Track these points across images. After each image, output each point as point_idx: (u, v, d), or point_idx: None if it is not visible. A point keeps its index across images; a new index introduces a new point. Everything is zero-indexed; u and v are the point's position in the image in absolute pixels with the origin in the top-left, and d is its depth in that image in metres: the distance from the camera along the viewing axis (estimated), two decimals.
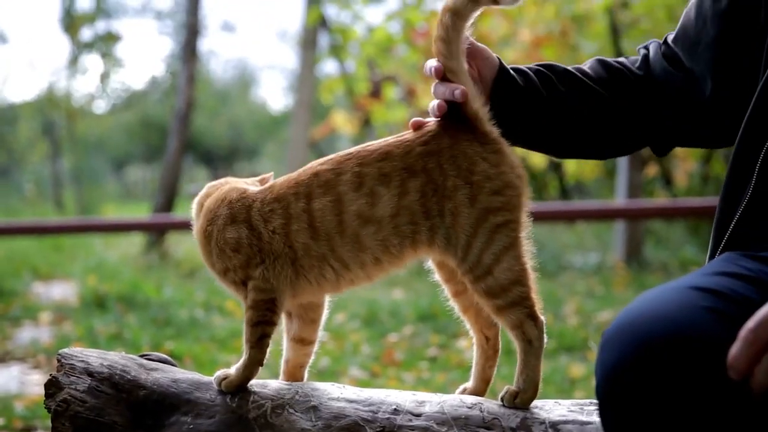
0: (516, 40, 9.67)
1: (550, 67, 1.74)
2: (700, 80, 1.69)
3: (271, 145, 28.93)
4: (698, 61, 1.69)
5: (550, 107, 1.70)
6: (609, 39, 9.55)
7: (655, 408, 1.14)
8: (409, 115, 10.81)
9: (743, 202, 1.51)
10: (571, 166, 9.69)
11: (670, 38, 1.77)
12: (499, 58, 1.71)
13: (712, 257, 1.55)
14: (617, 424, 1.19)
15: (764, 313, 1.10)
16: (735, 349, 1.11)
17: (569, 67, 1.75)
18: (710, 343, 1.15)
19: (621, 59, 1.79)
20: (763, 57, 1.55)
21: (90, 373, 1.66)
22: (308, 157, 14.12)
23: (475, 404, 1.61)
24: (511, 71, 1.70)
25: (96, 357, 1.70)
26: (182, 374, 1.72)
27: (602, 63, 1.77)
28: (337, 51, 11.92)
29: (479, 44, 1.68)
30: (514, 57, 9.59)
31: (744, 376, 1.10)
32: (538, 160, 10.00)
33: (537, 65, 1.74)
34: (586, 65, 1.78)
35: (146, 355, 1.79)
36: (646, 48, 1.80)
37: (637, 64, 1.77)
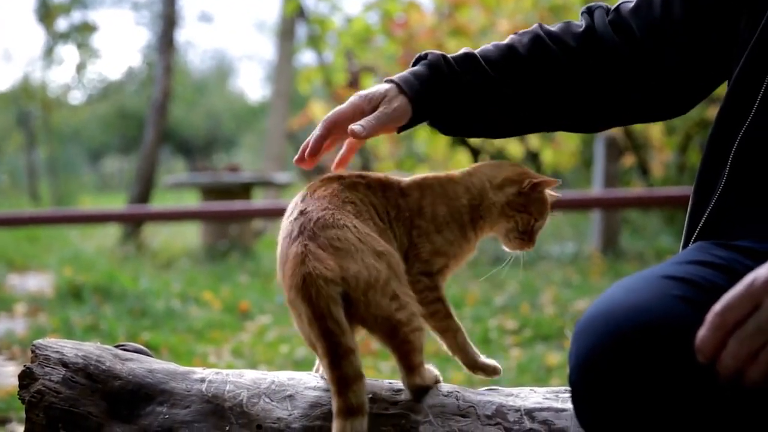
0: (494, 30, 9.67)
1: (474, 58, 1.70)
2: (654, 52, 1.67)
3: (249, 136, 28.83)
4: (659, 35, 1.67)
5: (483, 95, 1.69)
6: None
7: (627, 396, 1.15)
8: None
9: (717, 191, 1.52)
10: (548, 156, 9.70)
11: (626, 7, 1.72)
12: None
13: (685, 246, 1.55)
14: (590, 412, 1.19)
15: (730, 297, 1.11)
16: (702, 332, 1.11)
17: (495, 52, 1.71)
18: (682, 331, 1.15)
19: (560, 32, 1.71)
20: (739, 40, 1.56)
21: (65, 364, 1.65)
22: (285, 148, 14.10)
23: (451, 392, 1.61)
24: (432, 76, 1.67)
25: (71, 348, 1.69)
26: (158, 364, 1.71)
27: (537, 41, 1.71)
28: (314, 41, 11.88)
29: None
30: None
31: (711, 359, 1.11)
32: (515, 150, 10.01)
33: (463, 53, 1.70)
34: (523, 42, 1.71)
35: (122, 345, 1.78)
36: (591, 15, 1.74)
37: (577, 37, 1.71)
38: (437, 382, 1.63)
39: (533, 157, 10.35)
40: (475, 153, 10.77)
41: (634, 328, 1.16)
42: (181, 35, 32.40)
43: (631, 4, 1.73)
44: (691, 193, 1.58)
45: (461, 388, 1.64)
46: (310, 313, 1.47)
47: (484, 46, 1.72)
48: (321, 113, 11.63)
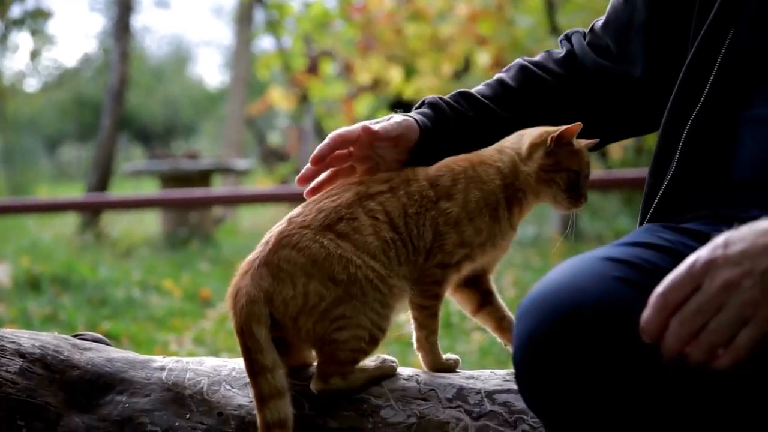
0: (452, 14, 9.69)
1: (464, 96, 1.75)
2: (628, 65, 1.71)
3: (209, 123, 28.64)
4: (629, 45, 1.71)
5: (482, 125, 1.73)
6: (544, 13, 9.60)
7: (568, 375, 1.17)
8: (347, 90, 10.79)
9: (668, 174, 1.54)
10: None
11: (598, 25, 1.77)
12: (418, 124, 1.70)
13: (648, 222, 1.58)
14: (533, 392, 1.22)
15: (671, 278, 1.13)
16: (646, 314, 1.13)
17: (487, 89, 1.76)
18: (621, 311, 1.17)
19: (543, 60, 1.78)
20: (691, 32, 1.58)
21: (21, 354, 1.64)
22: (245, 134, 14.04)
23: (412, 376, 1.62)
24: (436, 116, 1.71)
25: (27, 338, 1.68)
26: (117, 353, 1.70)
27: (524, 71, 1.77)
28: (273, 27, 11.82)
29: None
30: (451, 31, 9.62)
31: (655, 340, 1.13)
32: None
33: (452, 97, 1.75)
34: (510, 75, 1.78)
35: (80, 335, 1.76)
36: (569, 41, 1.80)
37: (560, 62, 1.78)
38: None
39: None
40: None
41: (573, 309, 1.18)
42: (138, 21, 32.02)
43: (602, 20, 1.77)
44: (647, 175, 1.60)
45: (422, 372, 1.65)
46: (234, 326, 1.54)
47: (476, 87, 1.78)
48: (280, 99, 11.60)
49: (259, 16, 13.38)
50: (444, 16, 9.79)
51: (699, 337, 1.11)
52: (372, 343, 1.58)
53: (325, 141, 1.64)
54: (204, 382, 1.63)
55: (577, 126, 1.59)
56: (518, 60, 1.80)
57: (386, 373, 1.62)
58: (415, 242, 1.60)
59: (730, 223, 1.42)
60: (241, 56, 13.63)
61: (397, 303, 1.61)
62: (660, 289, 1.13)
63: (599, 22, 1.78)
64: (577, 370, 1.16)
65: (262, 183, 12.67)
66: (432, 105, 1.72)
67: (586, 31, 1.80)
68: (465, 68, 10.32)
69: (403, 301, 1.63)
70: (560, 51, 1.80)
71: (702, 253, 1.13)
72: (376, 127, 1.64)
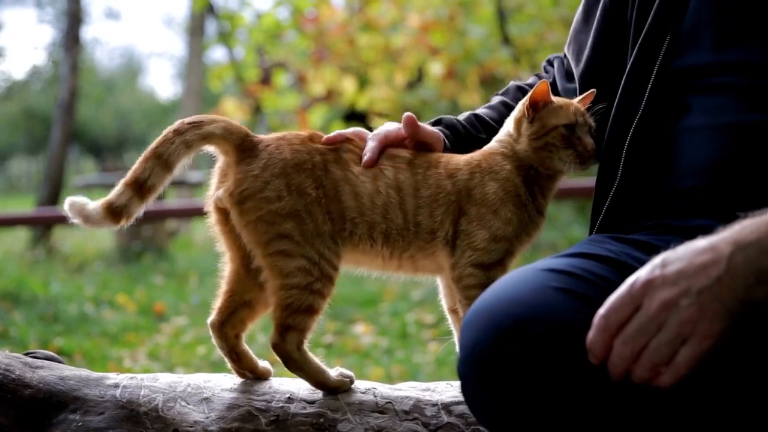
0: (405, 25, 9.72)
1: (477, 118, 1.82)
2: (585, 86, 1.75)
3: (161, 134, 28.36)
4: (580, 65, 1.76)
5: None
6: (496, 23, 9.68)
7: (509, 386, 1.18)
8: (300, 101, 10.77)
9: (614, 185, 1.57)
10: None
11: (566, 46, 1.84)
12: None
13: (596, 232, 1.60)
14: (477, 402, 1.23)
15: (613, 300, 1.16)
16: (590, 335, 1.16)
17: (492, 111, 1.83)
18: (560, 321, 1.19)
19: (532, 85, 1.85)
20: (629, 46, 1.61)
21: None
22: None
23: (369, 389, 1.62)
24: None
25: None
26: (70, 371, 1.68)
27: (522, 90, 1.86)
28: (225, 38, 11.77)
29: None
30: (404, 42, 9.64)
31: (601, 360, 1.15)
32: None
33: (466, 119, 1.80)
34: (509, 95, 1.86)
35: (32, 353, 1.74)
36: (552, 65, 1.88)
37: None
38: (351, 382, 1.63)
39: None
40: None
41: (512, 320, 1.20)
42: (88, 32, 31.76)
43: (567, 42, 1.83)
44: (595, 187, 1.63)
45: (379, 385, 1.65)
46: None
47: (479, 110, 1.83)
48: (233, 110, 11.53)
49: (211, 27, 13.32)
50: (396, 27, 9.82)
51: (641, 356, 1.13)
52: (325, 279, 1.57)
53: (373, 145, 1.64)
54: (159, 399, 1.62)
55: (543, 84, 1.59)
56: (513, 83, 1.86)
57: (339, 386, 1.61)
58: (430, 220, 1.59)
59: (673, 232, 1.47)
60: (194, 67, 13.55)
61: (354, 248, 1.61)
62: (602, 310, 1.16)
63: (566, 44, 1.84)
64: (517, 380, 1.18)
65: None
66: (449, 126, 1.76)
67: (563, 54, 1.87)
68: (418, 78, 10.36)
69: (362, 256, 1.62)
70: (548, 76, 1.86)
71: (641, 274, 1.16)
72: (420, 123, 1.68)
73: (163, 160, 1.55)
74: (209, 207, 1.62)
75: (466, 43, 9.46)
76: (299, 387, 1.62)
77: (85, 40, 24.12)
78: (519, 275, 1.31)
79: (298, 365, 1.59)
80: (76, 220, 1.54)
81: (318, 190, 1.57)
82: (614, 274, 1.32)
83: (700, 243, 1.16)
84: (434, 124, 1.77)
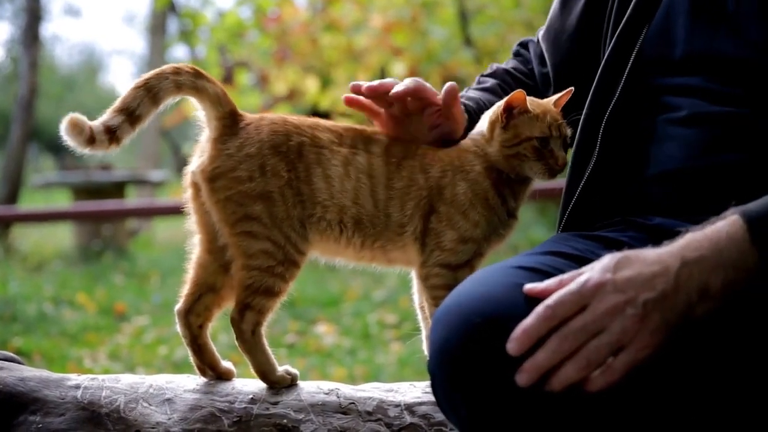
0: (367, 25, 9.73)
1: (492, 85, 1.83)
2: (559, 74, 1.78)
3: None
4: (559, 53, 1.77)
5: None
6: (458, 25, 9.71)
7: (479, 383, 1.20)
8: (262, 101, 10.73)
9: (581, 185, 1.59)
10: None
11: (540, 33, 1.85)
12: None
13: (562, 230, 1.62)
14: (447, 400, 1.24)
15: (563, 294, 1.18)
16: (529, 321, 1.17)
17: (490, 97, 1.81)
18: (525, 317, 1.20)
19: (515, 68, 1.87)
20: (607, 38, 1.63)
21: None
22: (160, 145, 13.85)
23: (332, 390, 1.62)
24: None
25: None
26: (30, 372, 1.67)
27: (511, 75, 1.87)
28: (186, 36, 11.70)
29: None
30: (367, 42, 9.65)
31: (523, 351, 1.16)
32: None
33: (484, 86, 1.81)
34: (497, 79, 1.86)
35: None
36: (526, 48, 1.90)
37: (529, 71, 1.88)
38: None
39: None
40: None
41: (482, 317, 1.21)
42: (47, 29, 31.42)
43: (543, 29, 1.84)
44: (565, 184, 1.64)
45: (342, 385, 1.65)
46: None
47: (478, 96, 1.80)
48: (195, 110, 11.48)
49: (172, 25, 13.24)
50: (359, 27, 9.82)
51: (577, 354, 1.15)
52: (287, 263, 1.57)
53: (405, 85, 1.63)
54: (121, 400, 1.61)
55: (518, 93, 1.57)
56: (497, 65, 1.87)
57: (280, 381, 1.62)
58: (400, 213, 1.59)
59: (638, 229, 1.49)
60: (155, 65, 13.34)
61: (323, 240, 1.61)
62: (549, 301, 1.18)
63: (540, 31, 1.85)
64: (486, 377, 1.19)
65: (177, 194, 12.48)
66: (476, 110, 1.74)
67: (536, 40, 1.87)
68: (381, 78, 10.36)
69: (333, 247, 1.62)
70: (521, 59, 1.88)
71: (594, 275, 1.18)
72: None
73: (152, 94, 1.57)
74: (186, 181, 1.62)
75: (429, 43, 9.48)
76: (262, 388, 1.62)
77: (45, 37, 23.87)
78: (489, 273, 1.33)
79: (248, 347, 1.60)
80: (75, 141, 1.55)
81: (290, 173, 1.57)
82: None
83: (651, 254, 1.20)
84: (480, 88, 1.78)
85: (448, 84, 1.65)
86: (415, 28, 9.60)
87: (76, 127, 1.54)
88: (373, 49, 9.74)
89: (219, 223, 1.58)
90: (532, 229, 8.56)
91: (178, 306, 1.67)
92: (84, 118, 1.55)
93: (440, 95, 1.64)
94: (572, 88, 1.66)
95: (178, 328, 1.68)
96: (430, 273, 1.59)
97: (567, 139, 1.60)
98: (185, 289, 1.67)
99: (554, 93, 1.70)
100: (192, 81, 1.58)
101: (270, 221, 1.56)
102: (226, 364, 1.69)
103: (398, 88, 1.62)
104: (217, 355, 1.69)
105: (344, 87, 9.94)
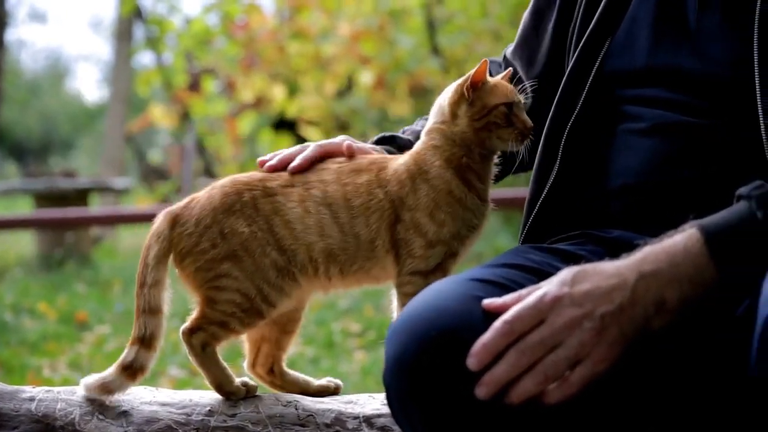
0: (335, 33, 9.74)
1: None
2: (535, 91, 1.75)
3: (87, 139, 28.01)
4: (535, 69, 1.76)
5: None
6: (425, 34, 9.75)
7: (433, 396, 1.20)
8: (229, 108, 10.69)
9: (542, 197, 1.60)
10: None
11: (509, 51, 1.83)
12: None
13: (522, 242, 1.63)
14: (402, 413, 1.24)
15: (520, 309, 1.18)
16: (487, 337, 1.17)
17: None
18: (483, 331, 1.20)
19: None
20: (571, 51, 1.64)
21: None
22: (125, 152, 13.76)
23: (291, 402, 1.61)
24: None
25: None
26: None
27: None
28: (153, 43, 11.64)
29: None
30: (334, 50, 9.65)
31: (482, 366, 1.17)
32: None
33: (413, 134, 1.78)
34: None
35: None
36: (490, 73, 1.84)
37: None
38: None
39: None
40: None
41: (437, 330, 1.21)
42: (12, 34, 31.15)
43: (512, 47, 1.82)
44: (527, 196, 1.65)
45: (300, 397, 1.64)
46: None
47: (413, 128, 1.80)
48: (161, 116, 11.41)
49: (139, 31, 13.15)
50: (326, 35, 9.83)
51: (535, 368, 1.16)
52: (251, 313, 1.58)
53: (310, 152, 1.62)
54: (76, 413, 1.59)
55: (482, 63, 1.55)
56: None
57: (235, 392, 1.61)
58: (367, 230, 1.57)
59: (597, 242, 1.49)
60: (121, 72, 13.37)
61: (304, 283, 1.59)
62: (507, 316, 1.18)
63: (509, 48, 1.83)
64: (442, 390, 1.19)
65: (142, 202, 12.42)
66: (399, 146, 1.74)
67: (501, 60, 1.86)
68: (348, 87, 10.37)
69: (315, 285, 1.61)
70: None
71: (551, 288, 1.19)
72: (358, 145, 1.66)
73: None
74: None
75: (396, 52, 9.51)
76: (220, 400, 1.61)
77: (10, 42, 23.64)
78: (445, 285, 1.33)
79: (200, 360, 1.61)
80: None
81: (251, 227, 1.57)
82: (536, 283, 1.34)
83: (609, 267, 1.20)
84: (380, 141, 1.75)
85: (345, 144, 1.64)
86: (383, 37, 9.62)
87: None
88: (341, 57, 9.76)
89: (191, 290, 1.61)
90: (498, 237, 8.60)
91: (245, 362, 1.72)
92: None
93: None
94: (511, 69, 1.67)
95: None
96: (403, 281, 1.58)
97: (525, 105, 1.60)
98: (246, 348, 1.72)
99: (528, 109, 1.71)
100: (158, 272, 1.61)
101: (241, 274, 1.57)
102: (319, 382, 1.72)
103: (297, 162, 1.62)
104: (303, 379, 1.73)
105: (312, 95, 9.96)
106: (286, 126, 10.76)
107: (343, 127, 10.34)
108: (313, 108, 9.96)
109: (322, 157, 1.63)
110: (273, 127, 10.85)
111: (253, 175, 1.63)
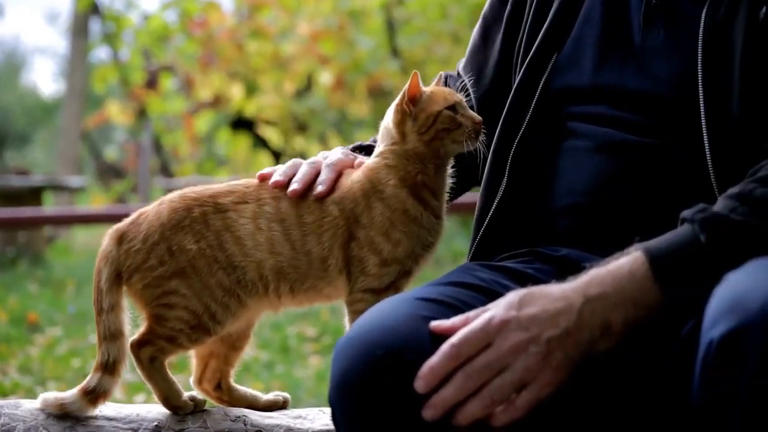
0: (294, 33, 9.72)
1: None
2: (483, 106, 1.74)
3: (43, 133, 27.69)
4: (483, 84, 1.73)
5: None
6: (385, 35, 9.76)
7: (377, 415, 1.20)
8: (187, 106, 10.63)
9: (489, 214, 1.59)
10: None
11: (461, 66, 1.80)
12: None
13: (471, 259, 1.62)
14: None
15: (468, 332, 1.19)
16: (435, 360, 1.18)
17: None
18: (431, 350, 1.20)
19: None
20: (517, 68, 1.63)
21: None
22: (80, 147, 13.62)
23: (239, 417, 1.60)
24: None
25: None
26: None
27: None
28: (110, 39, 11.53)
29: None
30: (293, 50, 9.63)
31: (432, 388, 1.17)
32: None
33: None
34: None
35: None
36: (447, 84, 1.80)
37: None
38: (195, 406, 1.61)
39: None
40: (277, 155, 10.77)
41: (383, 350, 1.21)
42: None
43: (462, 62, 1.80)
44: (476, 213, 1.64)
45: (249, 412, 1.63)
46: None
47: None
48: (117, 113, 11.31)
49: (95, 26, 13.02)
50: (285, 35, 9.81)
51: (481, 391, 1.17)
52: (199, 330, 1.56)
53: (331, 174, 1.58)
54: (19, 428, 1.56)
55: (413, 76, 1.54)
56: None
57: (182, 407, 1.59)
58: (309, 248, 1.55)
59: (544, 261, 1.49)
60: (77, 67, 13.21)
61: (252, 302, 1.57)
62: (454, 339, 1.18)
63: (461, 63, 1.81)
64: (389, 409, 1.19)
65: (97, 200, 12.30)
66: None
67: (456, 74, 1.82)
68: (307, 87, 10.36)
69: (264, 303, 1.59)
70: None
71: (498, 312, 1.19)
72: (360, 159, 1.63)
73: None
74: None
75: (356, 53, 9.52)
76: (167, 414, 1.59)
77: None
78: (391, 304, 1.32)
79: (147, 373, 1.59)
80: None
81: (199, 243, 1.55)
82: (485, 303, 1.33)
83: (555, 290, 1.21)
84: (361, 148, 1.72)
85: (357, 161, 1.62)
86: (342, 37, 9.63)
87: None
88: (300, 56, 9.75)
89: (139, 306, 1.59)
90: (455, 240, 8.63)
91: (191, 378, 1.69)
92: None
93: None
94: (441, 74, 1.65)
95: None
96: (354, 299, 1.56)
97: (467, 103, 1.59)
98: (194, 363, 1.69)
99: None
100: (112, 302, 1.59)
101: (189, 292, 1.55)
102: (267, 396, 1.71)
103: (321, 188, 1.57)
104: (251, 394, 1.71)
105: (270, 94, 9.93)
106: (244, 125, 10.72)
107: (301, 128, 10.33)
108: (272, 107, 9.94)
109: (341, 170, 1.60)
110: (231, 126, 10.82)
111: (204, 190, 1.60)
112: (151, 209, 1.60)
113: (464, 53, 1.83)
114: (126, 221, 1.60)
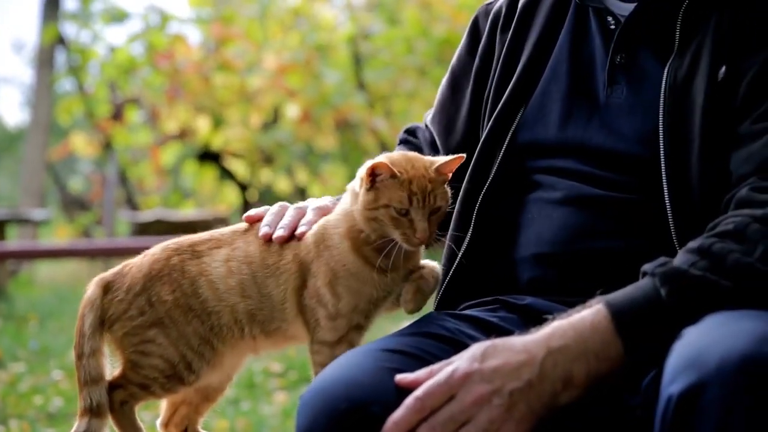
0: (261, 66, 9.74)
1: None
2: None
3: (7, 162, 27.44)
4: (454, 137, 1.75)
5: None
6: (351, 69, 9.81)
7: None
8: (153, 138, 10.59)
9: (454, 264, 1.60)
10: (316, 191, 9.83)
11: (428, 118, 1.82)
12: None
13: (438, 303, 1.62)
14: None
15: (431, 385, 1.20)
16: (399, 413, 1.20)
17: None
18: (396, 402, 1.22)
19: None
20: (484, 122, 1.66)
21: None
22: (45, 179, 13.49)
23: None
24: None
25: None
26: None
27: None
28: (75, 71, 11.48)
29: None
30: (260, 83, 9.65)
31: None
32: (284, 185, 10.09)
33: None
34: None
35: None
36: (415, 136, 1.83)
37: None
38: None
39: (301, 192, 10.46)
40: (243, 188, 10.75)
41: (347, 403, 1.22)
42: None
43: (431, 113, 1.81)
44: (443, 261, 1.65)
45: None
46: None
47: None
48: (82, 145, 11.23)
49: (61, 57, 12.94)
50: (252, 68, 9.83)
51: None
52: (173, 379, 1.56)
53: (313, 216, 1.58)
54: None
55: (384, 159, 1.48)
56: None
57: None
58: (269, 291, 1.54)
59: (510, 309, 1.51)
60: (42, 98, 13.10)
61: (229, 347, 1.56)
62: (419, 392, 1.20)
63: (429, 114, 1.82)
64: None
65: (61, 233, 12.18)
66: None
67: (424, 125, 1.83)
68: (274, 120, 10.37)
69: (243, 347, 1.58)
70: (411, 147, 1.79)
71: (461, 364, 1.21)
72: None
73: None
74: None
75: (322, 87, 9.56)
76: None
77: None
78: (354, 357, 1.33)
79: (115, 416, 1.58)
80: None
81: (175, 293, 1.56)
82: (449, 353, 1.35)
83: (518, 342, 1.22)
84: None
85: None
86: (309, 71, 9.67)
87: None
88: (267, 89, 9.77)
89: (116, 352, 1.60)
90: None
91: (158, 420, 1.68)
92: None
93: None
94: (464, 154, 1.55)
95: None
96: (313, 349, 1.55)
97: (440, 208, 1.50)
98: (163, 405, 1.69)
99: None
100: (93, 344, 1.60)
101: (166, 341, 1.56)
102: None
103: (303, 228, 1.57)
104: None
105: (237, 127, 9.93)
106: (210, 158, 10.70)
107: (268, 160, 10.33)
108: (238, 140, 9.94)
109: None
110: (197, 159, 10.79)
111: (185, 239, 1.62)
112: (136, 260, 1.62)
113: (430, 88, 1.86)
114: (112, 271, 1.64)
